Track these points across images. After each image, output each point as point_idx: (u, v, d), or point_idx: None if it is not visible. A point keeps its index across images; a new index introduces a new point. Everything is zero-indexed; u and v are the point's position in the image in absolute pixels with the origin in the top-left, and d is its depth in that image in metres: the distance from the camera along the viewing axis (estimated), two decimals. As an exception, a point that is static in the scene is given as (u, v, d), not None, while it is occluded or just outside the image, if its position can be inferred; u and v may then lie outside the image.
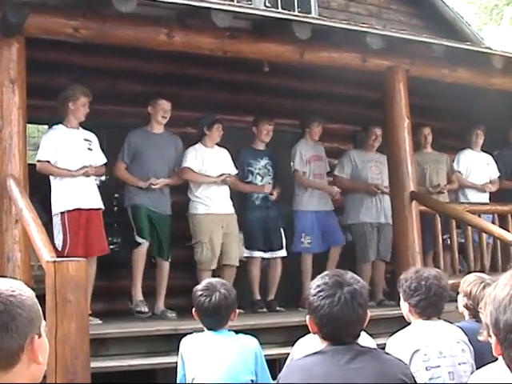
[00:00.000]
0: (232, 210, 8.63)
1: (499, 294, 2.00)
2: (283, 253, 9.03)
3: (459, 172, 10.08)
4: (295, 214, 9.30)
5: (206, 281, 4.86)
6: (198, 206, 8.44)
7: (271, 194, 8.99)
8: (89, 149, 7.72)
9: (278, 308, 8.76)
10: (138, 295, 8.01)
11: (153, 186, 8.12)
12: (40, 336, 2.13)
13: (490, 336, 2.08)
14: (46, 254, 5.16)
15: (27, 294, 2.12)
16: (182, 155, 8.48)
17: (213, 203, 8.45)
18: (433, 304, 4.53)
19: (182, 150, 8.51)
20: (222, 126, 8.63)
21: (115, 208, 9.26)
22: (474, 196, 9.98)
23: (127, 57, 8.46)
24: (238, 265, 8.55)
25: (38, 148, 7.66)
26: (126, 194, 8.32)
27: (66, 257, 6.87)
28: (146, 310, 7.90)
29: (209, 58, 7.94)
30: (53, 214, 7.45)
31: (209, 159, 8.55)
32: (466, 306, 4.87)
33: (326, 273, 3.25)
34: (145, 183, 8.10)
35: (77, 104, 7.58)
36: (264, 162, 9.11)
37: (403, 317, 4.76)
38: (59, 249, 7.17)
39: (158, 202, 8.22)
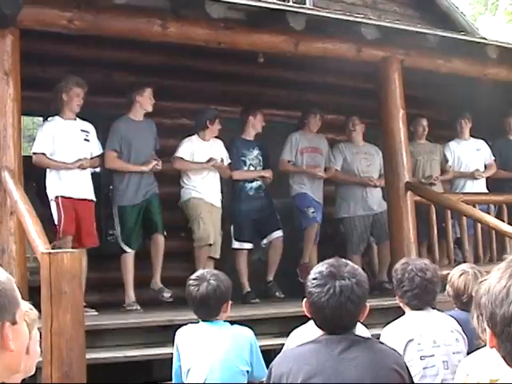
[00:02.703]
0: (219, 204, 8.68)
1: (495, 287, 1.97)
2: (279, 233, 9.03)
3: (449, 166, 10.08)
4: (294, 198, 9.37)
5: (199, 271, 4.87)
6: (192, 192, 8.50)
7: (264, 177, 9.03)
8: (85, 139, 7.74)
9: (277, 294, 8.80)
10: (131, 297, 8.03)
11: (157, 168, 8.16)
12: (15, 323, 2.08)
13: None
14: (40, 246, 5.16)
15: (1, 279, 2.08)
16: (158, 139, 8.49)
17: (205, 192, 8.51)
18: (417, 296, 4.55)
19: (157, 134, 8.50)
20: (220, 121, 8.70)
21: (109, 200, 9.24)
22: (468, 186, 9.97)
23: (122, 48, 8.45)
24: (218, 257, 8.54)
25: (34, 140, 7.67)
26: (113, 193, 8.30)
27: (62, 233, 7.24)
28: (138, 308, 7.91)
29: (203, 49, 7.92)
30: (49, 200, 7.52)
31: (203, 153, 8.56)
32: (448, 294, 4.92)
33: (327, 261, 3.27)
34: (147, 167, 8.11)
35: (70, 95, 7.58)
36: (256, 152, 9.13)
37: (399, 307, 4.79)
38: (57, 228, 7.35)
39: (146, 188, 8.20)
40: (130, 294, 8.02)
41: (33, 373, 2.99)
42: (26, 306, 2.86)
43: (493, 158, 10.28)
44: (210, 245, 8.39)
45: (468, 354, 4.10)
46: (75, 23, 6.70)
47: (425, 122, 9.94)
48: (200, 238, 8.38)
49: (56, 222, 7.45)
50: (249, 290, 8.80)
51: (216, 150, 8.70)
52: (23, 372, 2.83)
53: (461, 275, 4.85)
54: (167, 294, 8.01)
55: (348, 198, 9.52)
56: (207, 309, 4.64)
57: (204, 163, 8.53)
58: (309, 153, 9.41)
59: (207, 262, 8.31)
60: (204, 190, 8.52)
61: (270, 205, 9.13)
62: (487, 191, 9.99)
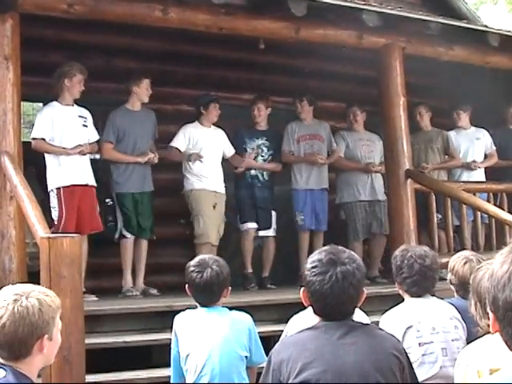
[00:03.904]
0: (223, 190, 8.68)
1: (497, 272, 1.97)
2: (271, 232, 9.06)
3: (454, 150, 10.03)
4: (292, 192, 9.34)
5: (199, 257, 4.84)
6: (194, 182, 8.49)
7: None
8: (84, 125, 7.71)
9: (269, 285, 8.81)
10: (128, 283, 8.07)
11: (153, 161, 8.17)
12: (51, 339, 2.87)
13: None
14: (40, 231, 5.16)
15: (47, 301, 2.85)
16: (157, 128, 8.51)
17: (208, 180, 8.51)
18: (416, 283, 4.55)
19: (156, 124, 8.50)
20: (218, 105, 8.66)
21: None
22: (465, 175, 9.92)
23: (122, 34, 8.44)
24: (217, 244, 8.53)
25: (33, 125, 7.64)
26: (111, 181, 8.28)
27: (61, 232, 6.91)
28: (137, 293, 7.96)
29: (204, 35, 7.91)
30: (49, 189, 7.46)
31: (204, 138, 8.58)
32: (451, 282, 4.90)
33: (324, 248, 3.25)
34: (143, 158, 8.11)
35: (73, 81, 7.55)
36: (260, 141, 9.13)
37: (398, 294, 4.79)
38: (56, 222, 7.23)
39: (143, 182, 8.22)
40: (128, 280, 8.06)
41: (52, 361, 3.02)
42: (50, 293, 2.90)
43: (494, 147, 10.23)
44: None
45: (467, 341, 4.11)
46: (75, 8, 6.67)
47: (419, 110, 9.86)
48: (199, 236, 8.40)
49: (54, 216, 7.36)
50: (250, 271, 8.87)
51: (216, 137, 8.70)
52: (44, 361, 2.88)
53: (465, 263, 4.80)
54: (153, 291, 8.04)
55: (349, 184, 9.48)
56: (210, 295, 4.64)
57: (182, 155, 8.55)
58: (306, 140, 9.36)
59: (211, 249, 8.31)
60: (207, 177, 8.52)
61: (267, 198, 9.10)
62: (485, 180, 9.94)
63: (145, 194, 8.25)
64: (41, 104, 8.71)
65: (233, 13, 7.35)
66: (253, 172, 9.06)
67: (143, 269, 8.20)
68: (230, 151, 8.89)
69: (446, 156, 9.95)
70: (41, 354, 2.84)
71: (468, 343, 3.79)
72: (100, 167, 8.32)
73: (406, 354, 3.19)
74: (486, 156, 10.20)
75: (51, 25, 7.81)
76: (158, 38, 8.74)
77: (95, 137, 7.87)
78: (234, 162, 8.94)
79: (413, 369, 3.23)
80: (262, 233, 9.04)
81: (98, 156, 8.60)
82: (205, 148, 8.57)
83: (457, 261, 4.85)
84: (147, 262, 8.21)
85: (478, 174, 9.98)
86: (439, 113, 10.29)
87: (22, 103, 6.73)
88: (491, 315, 2.01)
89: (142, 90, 8.23)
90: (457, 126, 10.16)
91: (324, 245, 3.42)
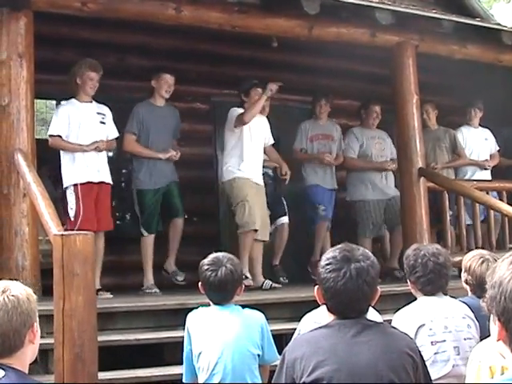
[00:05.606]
0: (262, 183, 8.52)
1: (509, 283, 1.95)
2: (285, 219, 8.96)
3: (462, 148, 9.99)
4: (306, 189, 9.35)
5: (213, 255, 4.79)
6: (236, 172, 8.28)
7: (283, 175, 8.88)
8: (101, 122, 7.68)
9: (281, 279, 8.73)
10: (149, 279, 8.03)
11: (175, 158, 8.17)
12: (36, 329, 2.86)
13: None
14: (53, 228, 5.17)
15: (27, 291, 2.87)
16: (180, 127, 8.50)
17: (249, 171, 8.31)
18: (430, 281, 4.53)
19: (180, 123, 8.51)
20: (261, 89, 8.40)
21: (123, 183, 9.26)
22: (477, 175, 9.89)
23: (136, 32, 8.46)
24: (267, 239, 8.46)
25: (47, 123, 7.66)
26: (132, 177, 8.29)
27: (79, 229, 6.83)
28: (158, 291, 7.93)
29: (217, 33, 7.91)
30: (64, 186, 7.44)
31: (247, 125, 8.37)
32: (466, 281, 4.87)
33: (338, 246, 3.26)
34: (165, 154, 8.11)
35: (83, 78, 7.53)
36: None
37: (410, 293, 4.77)
38: (72, 219, 7.22)
39: (165, 175, 8.19)
40: (149, 277, 8.02)
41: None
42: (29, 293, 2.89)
43: (497, 148, 10.24)
44: (256, 230, 8.16)
45: (480, 339, 4.09)
46: (89, 6, 6.70)
47: (426, 108, 9.78)
48: (244, 224, 8.13)
49: (71, 213, 7.31)
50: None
51: (259, 126, 8.54)
52: (32, 355, 2.88)
53: (483, 262, 4.76)
54: (180, 278, 8.00)
55: (361, 182, 9.46)
56: (224, 293, 4.62)
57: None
58: (319, 140, 9.37)
59: (256, 245, 8.26)
60: (249, 169, 8.33)
61: (276, 191, 9.05)
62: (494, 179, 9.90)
63: (172, 184, 8.23)
64: (54, 102, 8.74)
65: (246, 11, 7.36)
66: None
67: (176, 248, 8.17)
68: (270, 141, 8.74)
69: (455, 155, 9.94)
70: (31, 345, 2.83)
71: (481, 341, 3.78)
72: (116, 166, 8.30)
73: (420, 352, 3.18)
74: (490, 156, 10.19)
75: (64, 22, 7.83)
76: (171, 36, 8.76)
77: (114, 134, 7.83)
78: (270, 155, 8.78)
79: (426, 368, 3.22)
80: (278, 221, 8.87)
81: (110, 154, 8.60)
82: (249, 135, 8.41)
83: (473, 260, 4.81)
84: (159, 260, 8.20)
85: (487, 175, 9.98)
86: (451, 111, 10.26)
87: (35, 101, 6.75)
88: (498, 324, 1.99)
89: (160, 85, 8.21)
90: (467, 123, 10.13)
91: (337, 243, 3.42)
